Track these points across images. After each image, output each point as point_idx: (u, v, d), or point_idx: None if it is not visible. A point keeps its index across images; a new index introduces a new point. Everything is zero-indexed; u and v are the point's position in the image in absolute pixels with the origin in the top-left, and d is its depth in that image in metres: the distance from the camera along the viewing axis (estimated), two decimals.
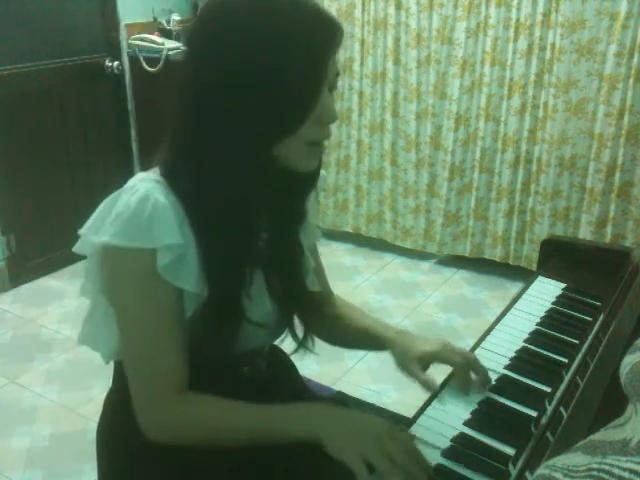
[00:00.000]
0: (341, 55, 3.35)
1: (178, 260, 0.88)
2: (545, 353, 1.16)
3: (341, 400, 1.28)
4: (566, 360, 1.12)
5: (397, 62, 3.23)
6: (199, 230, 0.90)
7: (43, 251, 3.26)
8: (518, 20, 2.86)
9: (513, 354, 1.16)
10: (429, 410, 1.01)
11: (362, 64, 3.32)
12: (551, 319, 1.28)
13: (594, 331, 1.19)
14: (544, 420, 0.95)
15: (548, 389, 1.04)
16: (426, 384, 1.02)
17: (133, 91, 3.59)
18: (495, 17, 2.91)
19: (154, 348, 0.91)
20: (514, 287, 3.09)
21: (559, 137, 2.89)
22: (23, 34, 3.04)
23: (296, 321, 1.08)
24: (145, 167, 0.97)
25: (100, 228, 0.88)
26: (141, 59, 3.40)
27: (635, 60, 2.64)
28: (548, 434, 0.90)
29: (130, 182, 0.91)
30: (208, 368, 0.95)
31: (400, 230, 3.48)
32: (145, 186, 0.88)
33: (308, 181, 1.00)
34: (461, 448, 0.93)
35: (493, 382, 1.06)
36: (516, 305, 1.34)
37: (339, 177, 3.58)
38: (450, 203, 3.28)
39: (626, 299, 1.17)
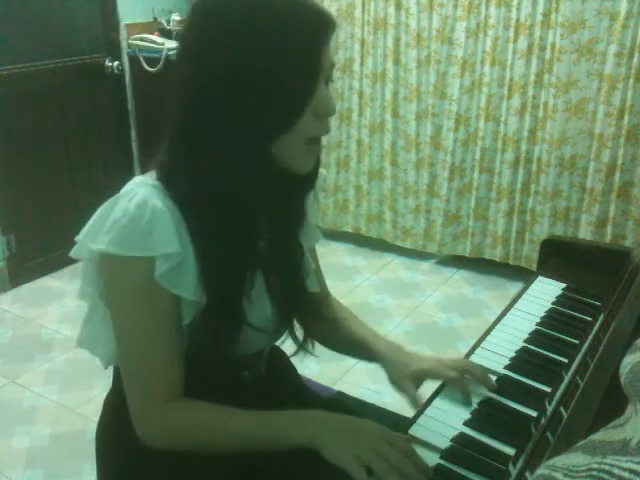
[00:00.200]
0: (341, 55, 3.36)
1: (176, 268, 0.87)
2: (545, 353, 1.16)
3: (341, 400, 1.28)
4: (566, 360, 1.12)
5: (397, 62, 3.23)
6: (197, 234, 0.89)
7: (43, 251, 3.26)
8: (518, 20, 2.86)
9: (513, 354, 1.16)
10: (429, 410, 1.01)
11: (362, 64, 3.32)
12: (551, 319, 1.28)
13: (594, 331, 1.19)
14: (544, 420, 0.95)
15: (548, 389, 1.04)
16: (415, 402, 1.02)
17: (133, 91, 3.59)
18: (495, 17, 2.91)
19: (149, 355, 0.91)
20: (514, 287, 3.09)
21: (559, 137, 2.89)
22: (23, 34, 3.04)
23: (295, 323, 1.08)
24: (145, 167, 0.97)
25: (97, 235, 0.87)
26: (141, 59, 3.40)
27: (635, 60, 2.64)
28: (548, 434, 0.90)
29: (127, 186, 0.90)
30: (209, 373, 0.94)
31: (400, 230, 3.48)
32: (142, 192, 0.87)
33: (307, 181, 0.99)
34: (461, 448, 0.93)
35: (493, 382, 1.06)
36: (516, 305, 1.33)
37: (339, 177, 3.58)
38: (450, 203, 3.28)
39: (626, 299, 1.17)
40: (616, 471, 0.52)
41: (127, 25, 3.46)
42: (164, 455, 0.93)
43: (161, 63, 3.30)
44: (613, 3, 2.65)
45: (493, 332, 1.23)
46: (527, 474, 0.83)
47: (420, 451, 0.90)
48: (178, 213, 0.88)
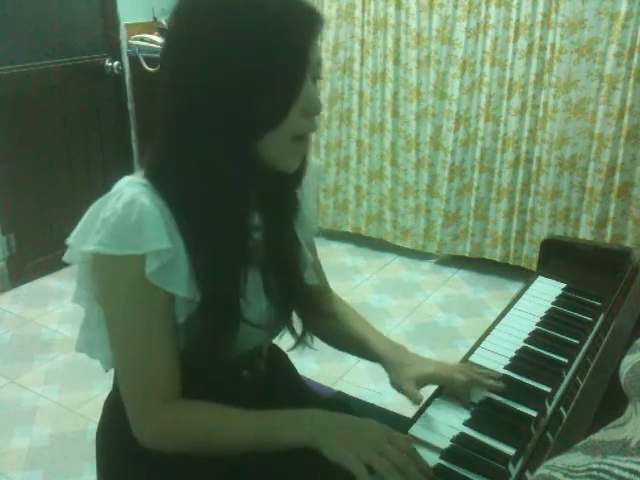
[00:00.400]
0: (341, 55, 3.36)
1: (167, 265, 0.86)
2: (545, 353, 1.16)
3: (341, 400, 1.28)
4: (566, 360, 1.12)
5: (397, 62, 3.23)
6: (187, 232, 0.88)
7: (43, 251, 3.26)
8: (518, 20, 2.86)
9: (513, 354, 1.16)
10: (429, 410, 1.01)
11: (362, 64, 3.32)
12: (551, 319, 1.28)
13: (594, 331, 1.19)
14: (544, 420, 0.95)
15: (548, 389, 1.04)
16: (415, 398, 1.00)
17: (133, 91, 3.59)
18: (495, 17, 2.91)
19: (145, 356, 0.90)
20: (514, 287, 3.09)
21: (559, 137, 2.89)
22: (23, 34, 3.04)
23: (294, 317, 1.07)
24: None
25: (87, 236, 0.86)
26: (141, 59, 3.40)
27: (635, 60, 2.64)
28: (548, 434, 0.90)
29: (116, 186, 0.89)
30: (208, 373, 0.94)
31: (400, 230, 3.48)
32: (131, 190, 0.86)
33: (292, 178, 0.97)
34: (461, 448, 0.93)
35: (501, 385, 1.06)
36: (516, 305, 1.34)
37: (339, 177, 3.58)
38: (450, 203, 3.28)
39: (626, 299, 1.17)
40: (616, 471, 0.52)
41: (127, 25, 3.46)
42: (164, 457, 0.92)
43: None
44: (613, 3, 2.65)
45: (493, 332, 1.23)
46: (527, 474, 0.83)
47: (420, 451, 0.90)
48: (167, 211, 0.87)
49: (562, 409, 0.95)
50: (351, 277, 3.31)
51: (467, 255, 3.31)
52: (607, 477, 0.53)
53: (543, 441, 0.89)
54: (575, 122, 2.85)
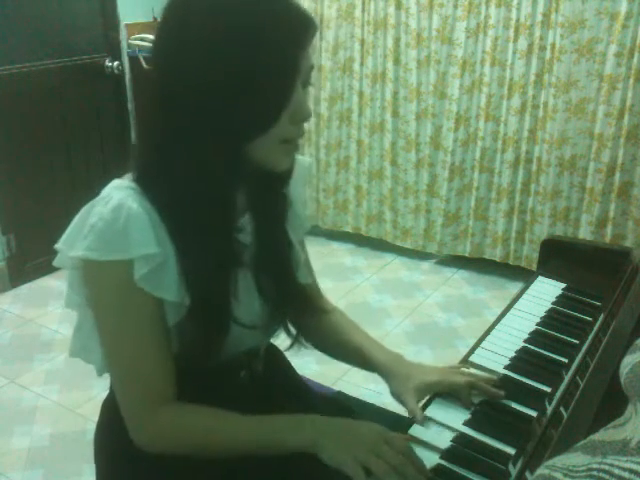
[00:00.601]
0: (341, 55, 3.36)
1: (156, 269, 0.86)
2: (545, 353, 1.16)
3: (341, 400, 1.28)
4: (566, 360, 1.12)
5: (397, 62, 3.23)
6: (176, 235, 0.87)
7: (43, 251, 3.25)
8: (518, 20, 2.86)
9: (513, 354, 1.16)
10: (429, 410, 1.01)
11: (362, 64, 3.32)
12: (551, 319, 1.28)
13: (594, 331, 1.19)
14: (544, 420, 0.95)
15: (548, 389, 1.04)
16: (417, 416, 0.98)
17: (133, 91, 3.59)
18: (495, 17, 2.91)
19: (137, 360, 0.90)
20: (514, 287, 3.09)
21: (559, 137, 2.89)
22: (23, 34, 3.04)
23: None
24: None
25: (75, 241, 0.86)
26: (141, 59, 3.40)
27: (635, 60, 2.64)
28: (548, 434, 0.90)
29: (104, 191, 0.89)
30: (205, 374, 0.94)
31: (400, 230, 3.48)
32: (118, 195, 0.86)
33: (281, 176, 0.96)
34: (461, 448, 0.93)
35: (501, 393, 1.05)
36: (516, 305, 1.33)
37: (339, 177, 3.58)
38: (450, 203, 3.28)
39: (626, 299, 1.17)
40: (616, 471, 0.52)
41: (127, 25, 3.46)
42: (162, 458, 0.92)
43: None
44: (613, 3, 2.64)
45: (493, 332, 1.23)
46: (527, 474, 0.83)
47: (420, 451, 0.90)
48: (156, 214, 0.86)
49: (562, 409, 0.95)
50: (351, 277, 3.31)
51: (467, 255, 3.31)
52: (607, 477, 0.52)
53: (543, 441, 0.89)
54: (575, 122, 2.85)
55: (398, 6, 3.13)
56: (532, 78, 2.90)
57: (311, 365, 2.39)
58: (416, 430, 0.96)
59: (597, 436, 0.62)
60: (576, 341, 1.18)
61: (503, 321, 1.27)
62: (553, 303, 1.34)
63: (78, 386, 2.41)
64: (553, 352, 1.16)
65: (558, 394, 1.02)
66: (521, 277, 3.05)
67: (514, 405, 1.02)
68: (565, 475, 0.58)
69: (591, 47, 2.73)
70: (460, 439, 0.94)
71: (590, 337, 1.17)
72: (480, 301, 3.09)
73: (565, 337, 1.21)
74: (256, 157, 0.87)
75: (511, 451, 0.91)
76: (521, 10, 2.85)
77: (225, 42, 0.80)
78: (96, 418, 1.11)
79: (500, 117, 3.03)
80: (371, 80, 3.31)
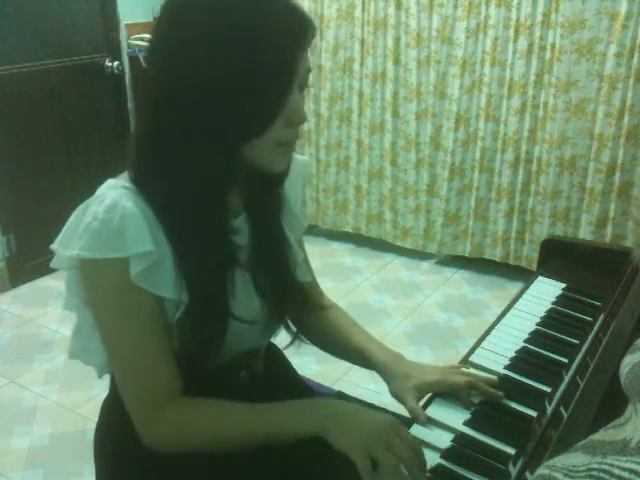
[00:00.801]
0: (341, 55, 3.36)
1: (153, 267, 0.86)
2: (545, 353, 1.16)
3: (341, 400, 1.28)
4: (566, 360, 1.12)
5: (397, 62, 3.23)
6: (172, 234, 0.87)
7: (43, 251, 3.23)
8: (518, 20, 2.86)
9: (513, 354, 1.16)
10: (429, 410, 1.01)
11: (362, 64, 3.32)
12: (551, 319, 1.28)
13: (594, 331, 1.19)
14: (544, 420, 0.95)
15: (548, 389, 1.04)
16: (417, 416, 0.99)
17: (133, 91, 3.58)
18: (495, 17, 2.91)
19: (140, 358, 0.89)
20: (514, 287, 3.09)
21: (559, 137, 2.89)
22: (23, 34, 3.04)
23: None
24: None
25: (70, 241, 0.86)
26: (141, 59, 3.40)
27: (635, 60, 2.64)
28: (548, 434, 0.90)
29: (99, 190, 0.89)
30: (206, 374, 0.94)
31: (400, 230, 3.48)
32: (112, 194, 0.86)
33: (277, 176, 0.96)
34: (461, 448, 0.93)
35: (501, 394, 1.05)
36: (516, 305, 1.33)
37: (339, 177, 3.58)
38: (450, 203, 3.28)
39: (626, 299, 1.17)
40: (616, 471, 0.52)
41: (127, 25, 3.46)
42: (162, 458, 0.92)
43: None
44: (613, 3, 2.65)
45: (493, 332, 1.23)
46: (527, 474, 0.83)
47: None
48: (151, 213, 0.86)
49: (562, 409, 0.95)
50: (351, 277, 3.31)
51: (467, 255, 3.31)
52: (607, 477, 0.53)
53: (543, 441, 0.89)
54: (575, 122, 2.85)
55: (398, 6, 3.13)
56: (532, 78, 2.90)
57: (311, 365, 2.39)
58: (416, 430, 0.96)
59: (597, 436, 0.62)
60: (576, 341, 1.18)
61: (503, 321, 1.27)
62: (553, 303, 1.34)
63: (78, 386, 2.41)
64: (553, 352, 1.16)
65: (558, 394, 1.02)
66: (521, 277, 3.06)
67: (514, 405, 1.02)
68: (565, 475, 0.58)
69: (591, 47, 2.73)
70: (460, 439, 0.94)
71: (590, 337, 1.17)
72: (480, 301, 3.09)
73: (565, 337, 1.21)
74: (252, 158, 0.87)
75: (511, 451, 0.91)
76: (521, 10, 2.85)
77: (224, 40, 0.80)
78: (96, 418, 1.11)
79: (500, 117, 3.03)
80: (371, 80, 3.31)
